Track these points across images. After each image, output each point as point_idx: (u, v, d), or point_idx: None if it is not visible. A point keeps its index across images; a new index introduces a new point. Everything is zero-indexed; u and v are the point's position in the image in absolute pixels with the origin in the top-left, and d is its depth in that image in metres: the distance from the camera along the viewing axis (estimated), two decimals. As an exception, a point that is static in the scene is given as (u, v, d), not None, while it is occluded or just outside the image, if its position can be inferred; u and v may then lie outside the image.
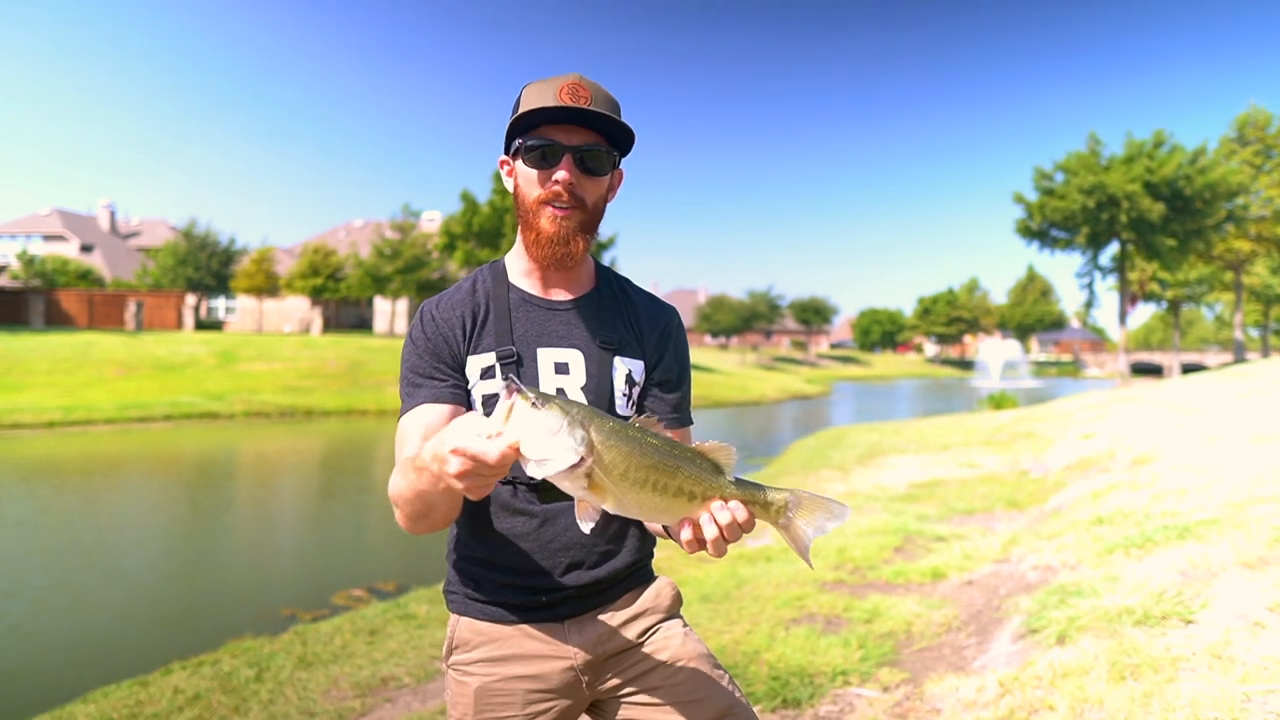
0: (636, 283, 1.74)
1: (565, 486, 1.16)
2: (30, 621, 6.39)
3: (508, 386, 1.12)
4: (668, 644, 1.61)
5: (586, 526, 1.20)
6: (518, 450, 1.10)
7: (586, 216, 1.53)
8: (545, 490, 1.52)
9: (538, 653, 1.57)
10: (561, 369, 1.55)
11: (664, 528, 1.40)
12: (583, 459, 1.13)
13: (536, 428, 1.10)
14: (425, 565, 7.70)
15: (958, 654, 4.00)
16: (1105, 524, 5.42)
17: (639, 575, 1.66)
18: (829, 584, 5.36)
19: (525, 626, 1.57)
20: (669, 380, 1.66)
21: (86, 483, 12.84)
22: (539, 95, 1.47)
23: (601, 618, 1.59)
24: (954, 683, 3.52)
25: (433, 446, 1.16)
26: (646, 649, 1.60)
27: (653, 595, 1.65)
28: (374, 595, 6.71)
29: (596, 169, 1.51)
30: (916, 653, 4.08)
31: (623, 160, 1.59)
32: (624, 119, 1.51)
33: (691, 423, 1.71)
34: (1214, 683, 2.73)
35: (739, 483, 1.28)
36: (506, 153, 1.57)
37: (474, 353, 1.54)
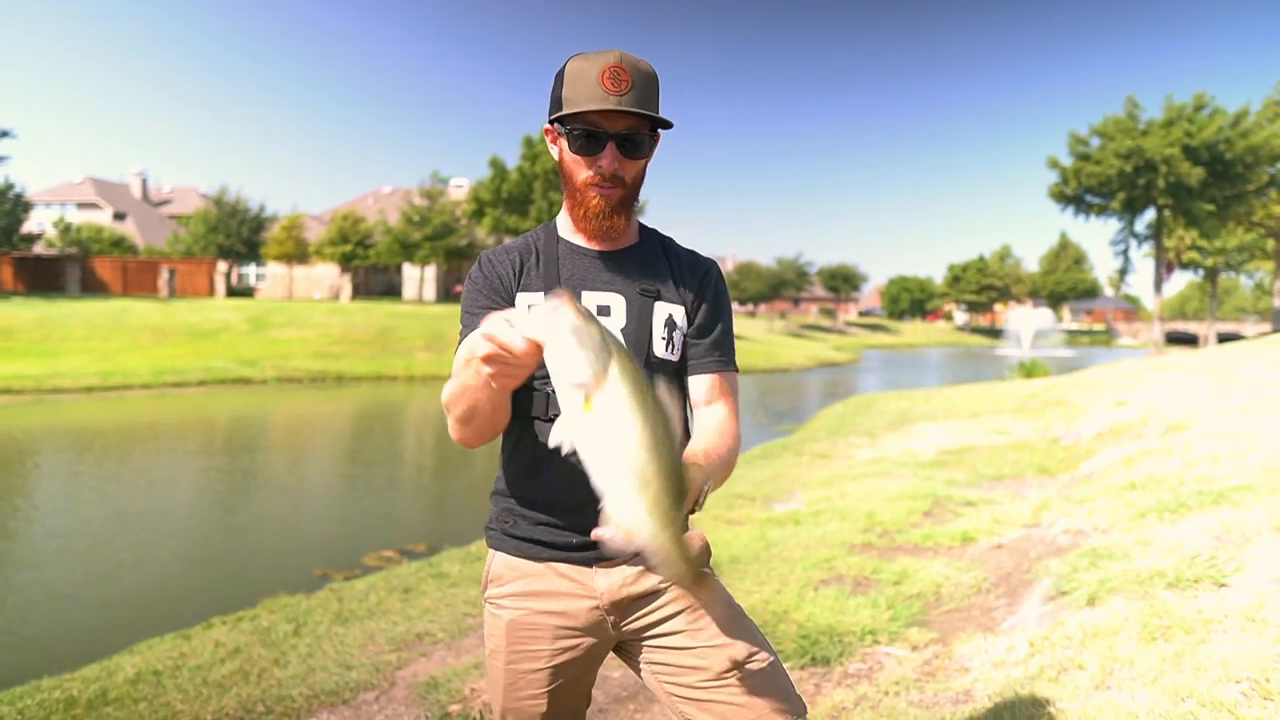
0: None
1: (563, 399, 1.18)
2: (76, 580, 6.57)
3: (559, 291, 1.18)
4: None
5: (554, 440, 1.22)
6: (541, 348, 1.16)
7: (628, 193, 1.61)
8: None
9: (566, 591, 1.62)
10: (603, 311, 1.62)
11: None
12: (590, 382, 1.14)
13: (568, 336, 1.14)
14: (456, 527, 7.81)
15: (987, 615, 4.01)
16: (1137, 489, 5.39)
17: None
18: (858, 547, 5.38)
19: (555, 565, 1.63)
20: (708, 324, 1.70)
21: (125, 446, 13.11)
22: (582, 78, 1.52)
23: (629, 562, 1.62)
24: (983, 643, 3.54)
25: (474, 334, 1.26)
26: (671, 594, 1.63)
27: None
28: (405, 556, 6.81)
29: (637, 152, 1.58)
30: (945, 614, 4.10)
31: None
32: (660, 87, 1.58)
33: (735, 368, 1.73)
34: (1246, 644, 2.73)
35: (667, 526, 1.21)
36: (550, 122, 1.62)
37: (523, 290, 1.63)
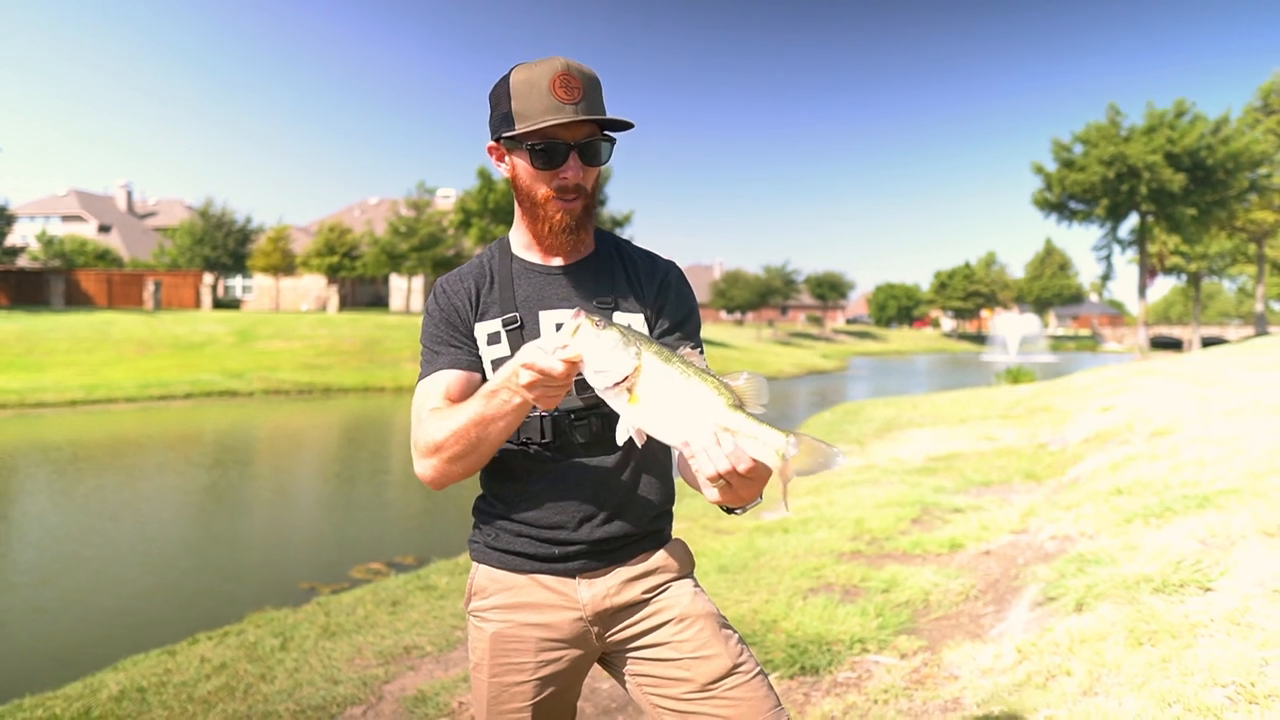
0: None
1: (610, 398, 1.31)
2: (60, 596, 6.51)
3: (576, 311, 1.31)
4: (677, 602, 1.65)
5: (623, 437, 1.32)
6: (579, 364, 1.29)
7: (589, 201, 1.60)
8: (559, 448, 1.59)
9: (548, 602, 1.61)
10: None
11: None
12: (630, 373, 1.28)
13: (598, 345, 1.28)
14: (444, 539, 7.77)
15: (975, 622, 4.02)
16: (1124, 494, 5.41)
17: (654, 537, 1.69)
18: (846, 555, 5.38)
19: (538, 576, 1.62)
20: (674, 323, 1.69)
21: (110, 460, 13.01)
22: (532, 90, 1.49)
23: (612, 573, 1.63)
24: (971, 650, 3.54)
25: (507, 367, 1.38)
26: (655, 605, 1.64)
27: (664, 556, 1.69)
28: (393, 569, 6.78)
29: (597, 159, 1.58)
30: (934, 621, 4.10)
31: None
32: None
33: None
34: (1232, 648, 2.74)
35: (746, 415, 1.29)
36: (494, 138, 1.60)
37: (480, 320, 1.62)
